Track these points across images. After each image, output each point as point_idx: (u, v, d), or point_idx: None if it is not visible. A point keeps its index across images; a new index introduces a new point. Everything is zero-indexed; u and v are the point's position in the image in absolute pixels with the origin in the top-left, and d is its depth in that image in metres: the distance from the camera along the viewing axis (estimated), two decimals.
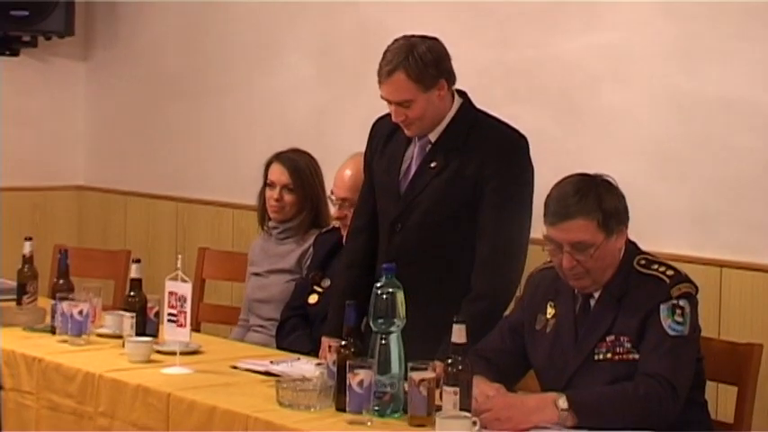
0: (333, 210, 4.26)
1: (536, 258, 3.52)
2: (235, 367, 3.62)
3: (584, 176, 3.23)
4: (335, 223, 4.40)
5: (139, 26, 6.36)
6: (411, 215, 3.68)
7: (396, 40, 3.65)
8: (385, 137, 3.80)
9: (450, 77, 3.65)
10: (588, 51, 4.55)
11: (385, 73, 3.60)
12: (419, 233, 3.66)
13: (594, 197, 3.16)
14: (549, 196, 3.23)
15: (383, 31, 5.02)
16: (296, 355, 3.78)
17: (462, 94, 3.73)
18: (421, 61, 3.57)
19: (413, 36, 3.65)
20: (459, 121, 3.67)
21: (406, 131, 3.68)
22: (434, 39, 3.66)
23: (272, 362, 3.63)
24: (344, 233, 4.10)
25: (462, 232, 3.61)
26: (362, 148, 4.02)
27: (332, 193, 4.25)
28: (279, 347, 4.16)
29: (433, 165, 3.66)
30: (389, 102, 3.63)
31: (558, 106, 4.66)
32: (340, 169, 4.25)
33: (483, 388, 3.12)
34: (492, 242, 3.57)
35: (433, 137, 3.68)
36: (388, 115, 3.78)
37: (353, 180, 4.13)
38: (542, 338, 3.31)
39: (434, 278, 3.61)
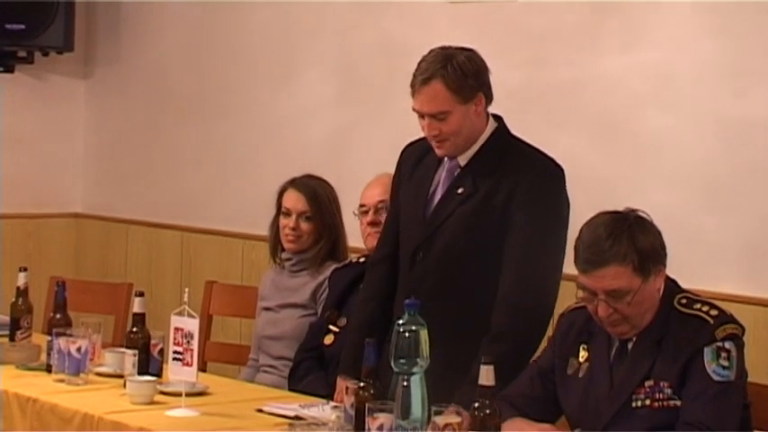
0: (363, 220, 4.30)
1: (569, 296, 3.56)
2: (260, 410, 3.66)
3: (615, 215, 3.27)
4: (353, 257, 4.47)
5: (144, 42, 6.45)
6: (434, 243, 3.71)
7: (431, 51, 3.70)
8: (414, 163, 3.85)
9: (488, 93, 3.70)
10: (629, 72, 4.61)
11: (420, 81, 3.63)
12: (441, 263, 3.70)
13: (628, 239, 3.20)
14: (578, 239, 3.28)
15: (408, 48, 5.09)
16: (324, 400, 3.79)
17: (498, 118, 3.78)
18: (460, 70, 3.62)
19: (450, 47, 3.71)
20: (492, 146, 3.72)
21: (437, 150, 3.71)
22: (472, 50, 3.72)
23: (301, 405, 3.67)
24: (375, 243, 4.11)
25: (488, 264, 3.64)
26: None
27: (360, 206, 4.31)
28: (292, 391, 4.20)
29: (460, 191, 3.71)
30: (423, 115, 3.66)
31: (596, 131, 4.71)
32: (367, 186, 4.35)
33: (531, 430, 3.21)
34: (515, 276, 3.60)
35: (462, 160, 3.73)
36: (418, 141, 3.84)
37: (385, 186, 4.19)
38: (575, 384, 3.36)
39: (455, 313, 3.64)
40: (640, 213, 3.28)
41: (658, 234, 3.27)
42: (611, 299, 3.21)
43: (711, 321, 3.22)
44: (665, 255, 3.27)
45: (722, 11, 4.38)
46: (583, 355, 3.36)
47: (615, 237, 3.20)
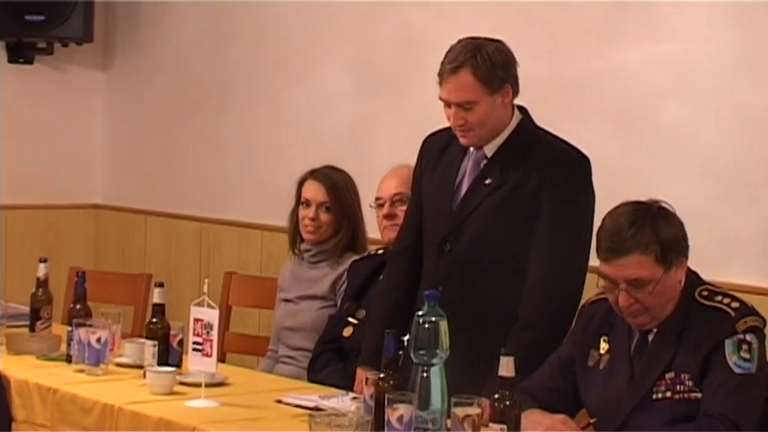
0: (379, 213, 4.30)
1: (591, 288, 3.55)
2: (280, 401, 3.66)
3: (638, 205, 3.27)
4: (372, 249, 4.46)
5: (163, 33, 6.45)
6: (461, 235, 3.71)
7: (460, 41, 3.70)
8: (437, 153, 3.84)
9: (516, 85, 3.70)
10: (649, 63, 4.59)
11: (448, 70, 3.63)
12: (469, 255, 3.69)
13: (651, 229, 3.19)
14: (601, 228, 3.27)
15: (426, 39, 5.12)
16: (343, 391, 3.79)
17: (523, 109, 3.78)
18: (489, 61, 3.63)
19: (479, 37, 3.71)
20: (519, 137, 3.72)
21: (461, 139, 3.71)
22: (501, 41, 3.72)
23: (321, 396, 3.67)
24: (393, 235, 4.10)
25: (515, 255, 3.65)
26: None
27: (376, 199, 4.31)
28: (311, 382, 4.20)
29: (487, 181, 3.70)
30: (449, 104, 3.66)
31: (615, 123, 4.69)
32: (383, 179, 4.34)
33: (549, 423, 3.21)
34: (543, 267, 3.61)
35: (489, 151, 3.72)
36: (441, 131, 3.84)
37: (402, 178, 4.19)
38: (595, 376, 3.36)
39: (483, 305, 3.65)
40: (663, 204, 3.28)
41: (681, 225, 3.26)
42: (633, 288, 3.20)
43: (732, 314, 3.21)
44: (688, 246, 3.26)
45: (741, 2, 4.36)
46: (603, 346, 3.36)
47: (638, 226, 3.20)
